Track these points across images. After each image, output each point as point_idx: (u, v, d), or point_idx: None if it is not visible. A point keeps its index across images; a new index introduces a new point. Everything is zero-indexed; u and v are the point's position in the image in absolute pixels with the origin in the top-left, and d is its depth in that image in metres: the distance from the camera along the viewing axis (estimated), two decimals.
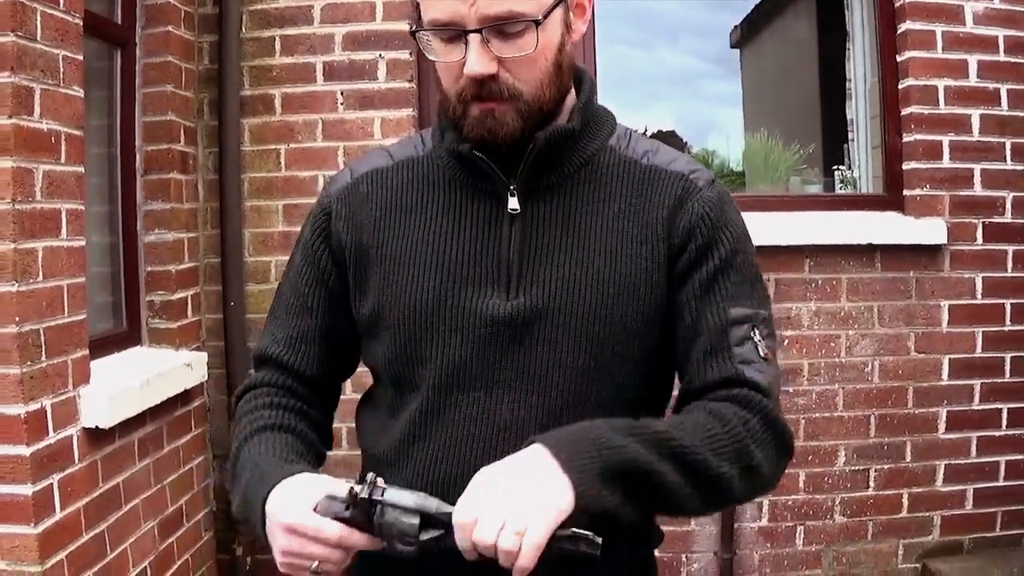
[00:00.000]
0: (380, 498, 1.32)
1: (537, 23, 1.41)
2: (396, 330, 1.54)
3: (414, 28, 1.48)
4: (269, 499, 1.41)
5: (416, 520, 1.31)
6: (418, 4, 1.46)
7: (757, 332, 1.51)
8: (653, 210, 1.53)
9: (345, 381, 1.74)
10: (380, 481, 1.34)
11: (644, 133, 1.65)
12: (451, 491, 1.35)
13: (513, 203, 1.52)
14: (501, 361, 1.49)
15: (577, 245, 1.51)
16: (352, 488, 1.33)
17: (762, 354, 1.50)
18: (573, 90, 1.57)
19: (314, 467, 1.55)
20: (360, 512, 1.33)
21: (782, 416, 1.49)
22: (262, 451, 1.54)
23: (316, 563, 1.36)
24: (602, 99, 1.68)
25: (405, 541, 1.33)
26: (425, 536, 1.32)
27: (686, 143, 4.90)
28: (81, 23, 2.88)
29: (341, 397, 1.75)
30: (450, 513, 1.30)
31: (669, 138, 4.93)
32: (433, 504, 1.32)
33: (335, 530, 1.34)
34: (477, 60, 1.41)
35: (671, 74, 5.09)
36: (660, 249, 1.52)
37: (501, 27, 1.40)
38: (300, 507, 1.36)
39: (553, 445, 1.32)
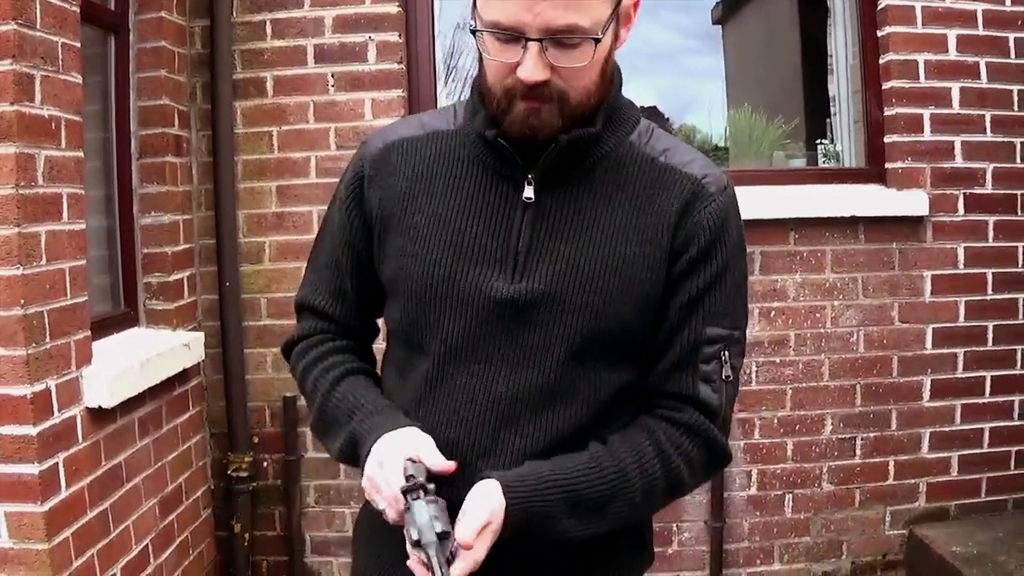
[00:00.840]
0: (406, 501, 1.44)
1: (597, 40, 1.45)
2: (408, 298, 1.62)
3: (473, 27, 1.51)
4: (378, 441, 1.54)
5: (416, 536, 1.41)
6: (475, 2, 1.50)
7: (727, 352, 1.61)
8: (661, 210, 1.59)
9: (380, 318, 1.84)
10: (427, 488, 1.45)
11: None
12: (453, 454, 1.52)
13: (528, 192, 1.57)
14: (501, 339, 1.57)
15: (583, 238, 1.57)
16: (408, 474, 1.47)
17: (724, 375, 1.60)
18: None
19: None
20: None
21: (723, 436, 1.63)
22: (363, 395, 1.67)
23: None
24: None
25: (408, 542, 1.43)
26: (413, 553, 1.43)
27: (668, 119, 4.91)
28: (79, 10, 2.91)
29: None
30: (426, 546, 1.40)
31: (651, 114, 4.94)
32: (428, 536, 1.40)
33: (393, 492, 1.48)
34: (533, 68, 1.45)
35: (653, 50, 5.08)
36: (662, 249, 1.58)
37: (560, 38, 1.44)
38: (389, 461, 1.50)
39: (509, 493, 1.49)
